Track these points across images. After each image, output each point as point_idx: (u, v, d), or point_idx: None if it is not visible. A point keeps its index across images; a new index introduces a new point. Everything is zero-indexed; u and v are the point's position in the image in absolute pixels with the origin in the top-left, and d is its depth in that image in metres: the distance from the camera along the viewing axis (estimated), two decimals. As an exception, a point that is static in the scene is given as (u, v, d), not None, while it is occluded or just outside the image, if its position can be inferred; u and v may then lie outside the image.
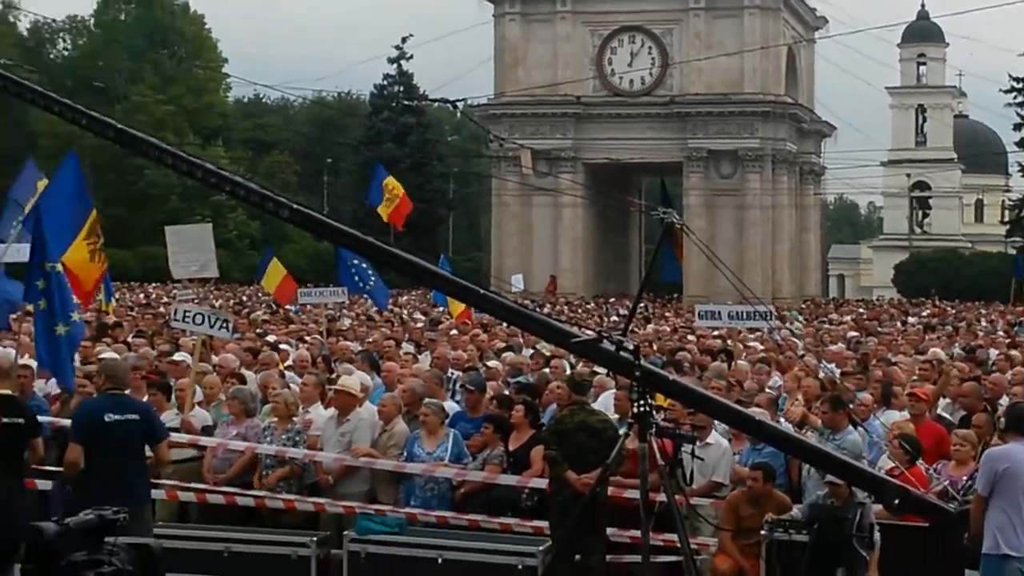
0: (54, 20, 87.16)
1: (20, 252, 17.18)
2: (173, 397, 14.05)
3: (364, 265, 24.63)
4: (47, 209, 15.10)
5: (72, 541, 3.54)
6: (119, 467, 10.53)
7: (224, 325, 14.63)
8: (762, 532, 10.67)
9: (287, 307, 32.96)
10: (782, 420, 12.86)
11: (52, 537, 3.46)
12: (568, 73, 69.26)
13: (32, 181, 18.78)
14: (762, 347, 21.72)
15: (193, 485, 12.68)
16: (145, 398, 13.74)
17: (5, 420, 10.82)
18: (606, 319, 37.76)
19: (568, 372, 15.60)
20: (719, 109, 69.19)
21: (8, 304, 15.62)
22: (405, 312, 36.95)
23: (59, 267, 13.84)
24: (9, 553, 2.74)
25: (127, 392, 11.38)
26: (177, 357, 15.62)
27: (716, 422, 11.59)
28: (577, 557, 10.98)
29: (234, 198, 4.24)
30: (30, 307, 14.29)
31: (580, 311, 44.91)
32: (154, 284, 53.21)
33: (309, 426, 12.95)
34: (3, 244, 17.93)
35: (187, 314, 14.51)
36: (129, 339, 19.68)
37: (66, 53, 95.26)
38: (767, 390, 15.18)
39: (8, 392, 11.44)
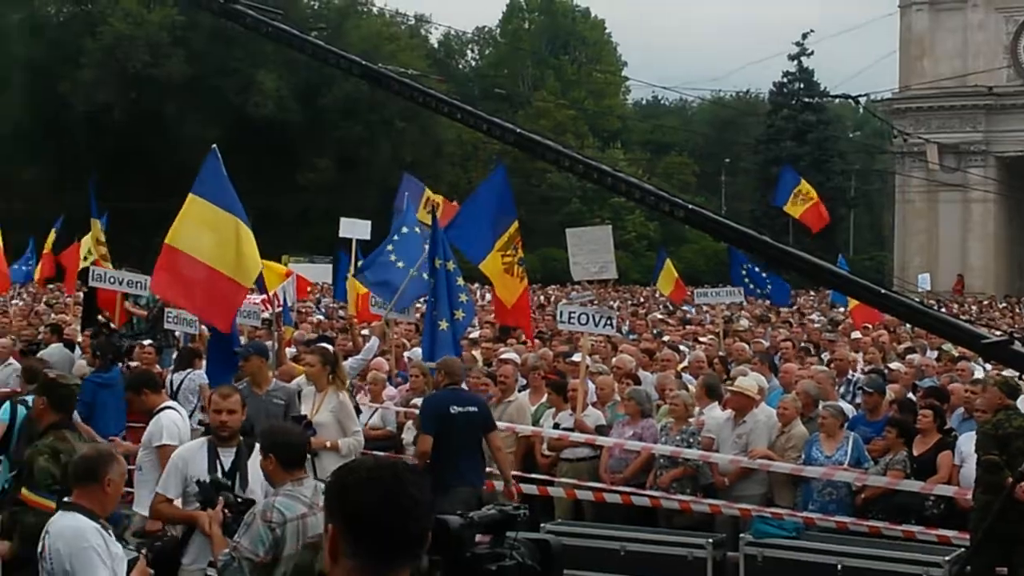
0: (463, 32, 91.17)
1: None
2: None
3: (757, 268, 24.47)
4: (468, 213, 15.82)
5: (475, 534, 3.64)
6: (460, 456, 11.01)
7: (608, 323, 14.75)
8: None
9: (684, 308, 33.05)
10: None
11: (457, 529, 3.56)
12: (979, 63, 66.02)
13: (416, 191, 19.84)
14: None
15: (590, 484, 12.90)
16: (543, 398, 14.13)
17: None
18: (1019, 319, 35.84)
19: (974, 375, 14.91)
20: None
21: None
22: (803, 313, 36.32)
23: (450, 265, 14.43)
24: (421, 542, 2.86)
25: (464, 387, 12.21)
26: (575, 358, 15.91)
27: None
28: (1003, 569, 10.44)
29: (631, 200, 4.25)
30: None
31: (991, 311, 42.82)
32: (553, 286, 54.49)
33: (702, 427, 12.93)
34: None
35: (572, 315, 14.74)
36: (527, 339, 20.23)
37: (473, 63, 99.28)
38: None
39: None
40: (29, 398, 11.40)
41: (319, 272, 30.63)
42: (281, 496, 6.67)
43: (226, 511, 7.60)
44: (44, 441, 8.42)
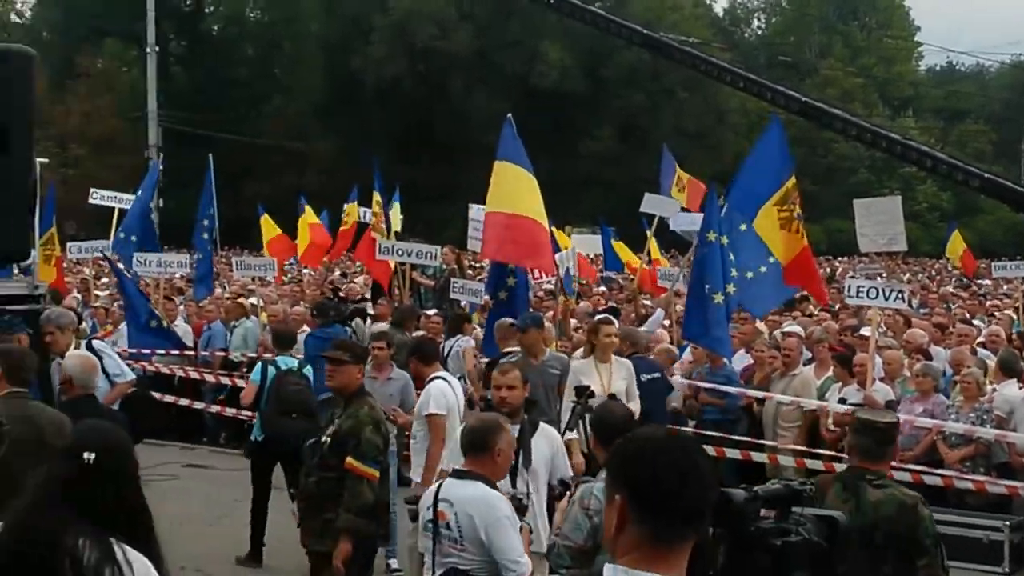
0: (750, 0, 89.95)
1: (692, 221, 18.12)
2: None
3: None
4: (745, 173, 15.59)
5: (760, 508, 3.58)
6: (650, 421, 11.13)
7: (899, 297, 14.31)
8: None
9: (979, 282, 31.82)
10: None
11: (741, 503, 3.52)
12: None
13: (670, 166, 19.97)
14: None
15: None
16: (829, 372, 13.87)
17: None
18: None
19: None
20: None
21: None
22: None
23: (724, 240, 14.21)
24: (704, 514, 2.84)
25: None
26: (864, 332, 15.52)
27: None
28: None
29: (922, 169, 4.11)
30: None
31: None
32: (840, 258, 53.29)
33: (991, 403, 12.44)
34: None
35: (860, 289, 14.35)
36: (814, 312, 19.84)
37: (759, 32, 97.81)
38: None
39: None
40: (279, 359, 12.00)
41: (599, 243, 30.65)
42: (600, 481, 6.57)
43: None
44: (363, 411, 8.63)
